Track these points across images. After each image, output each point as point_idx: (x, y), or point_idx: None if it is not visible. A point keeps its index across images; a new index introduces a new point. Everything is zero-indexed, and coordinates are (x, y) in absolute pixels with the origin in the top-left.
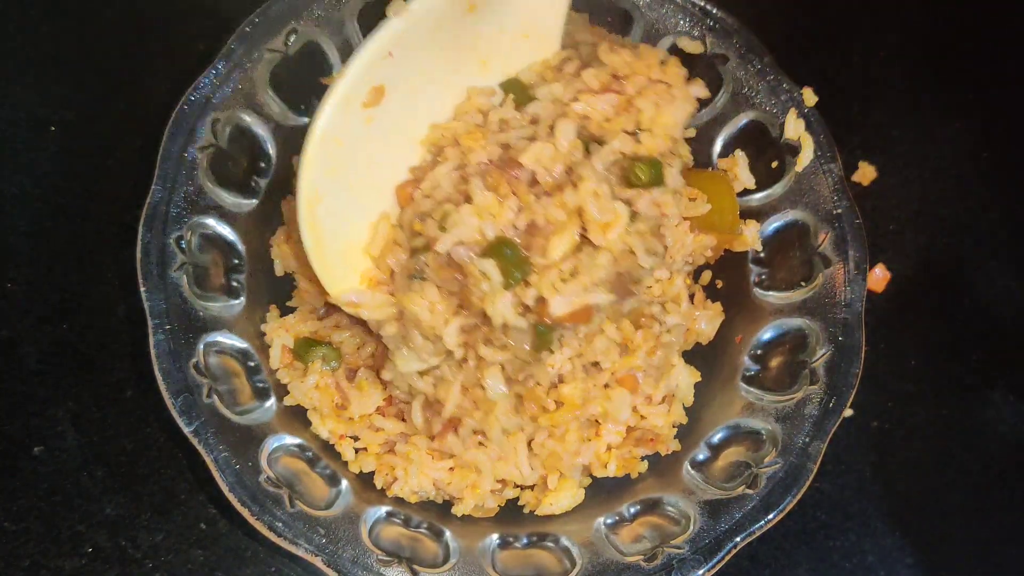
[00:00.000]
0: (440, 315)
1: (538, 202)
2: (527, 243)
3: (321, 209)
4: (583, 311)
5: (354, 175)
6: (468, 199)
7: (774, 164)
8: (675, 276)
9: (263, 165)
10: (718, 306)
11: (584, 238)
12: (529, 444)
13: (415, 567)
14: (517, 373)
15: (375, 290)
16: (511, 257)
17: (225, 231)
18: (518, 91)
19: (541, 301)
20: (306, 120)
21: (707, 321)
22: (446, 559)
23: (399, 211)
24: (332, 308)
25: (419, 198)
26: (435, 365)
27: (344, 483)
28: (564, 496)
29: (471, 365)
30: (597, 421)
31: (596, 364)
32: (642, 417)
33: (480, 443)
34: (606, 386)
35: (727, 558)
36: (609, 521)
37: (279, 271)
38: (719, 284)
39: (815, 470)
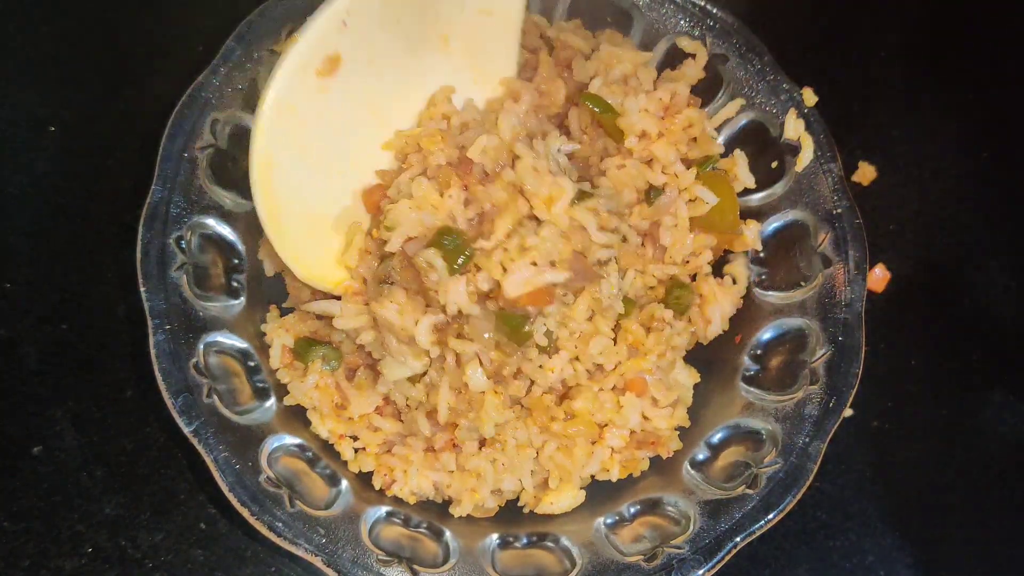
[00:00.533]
0: (410, 316)
1: (483, 189)
2: (478, 231)
3: (276, 177)
4: (541, 292)
5: (311, 146)
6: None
7: (774, 164)
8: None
9: None
10: None
11: (533, 218)
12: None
13: (415, 567)
14: (502, 368)
15: (350, 302)
16: (452, 243)
17: (225, 231)
18: (602, 106)
19: (497, 286)
20: None
21: None
22: (446, 559)
23: (369, 219)
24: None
25: (385, 206)
26: (422, 372)
27: (344, 483)
28: (564, 496)
29: (452, 363)
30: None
31: (600, 367)
32: (646, 419)
33: (492, 459)
34: (614, 388)
35: (727, 558)
36: (609, 521)
37: (269, 272)
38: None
39: (815, 470)
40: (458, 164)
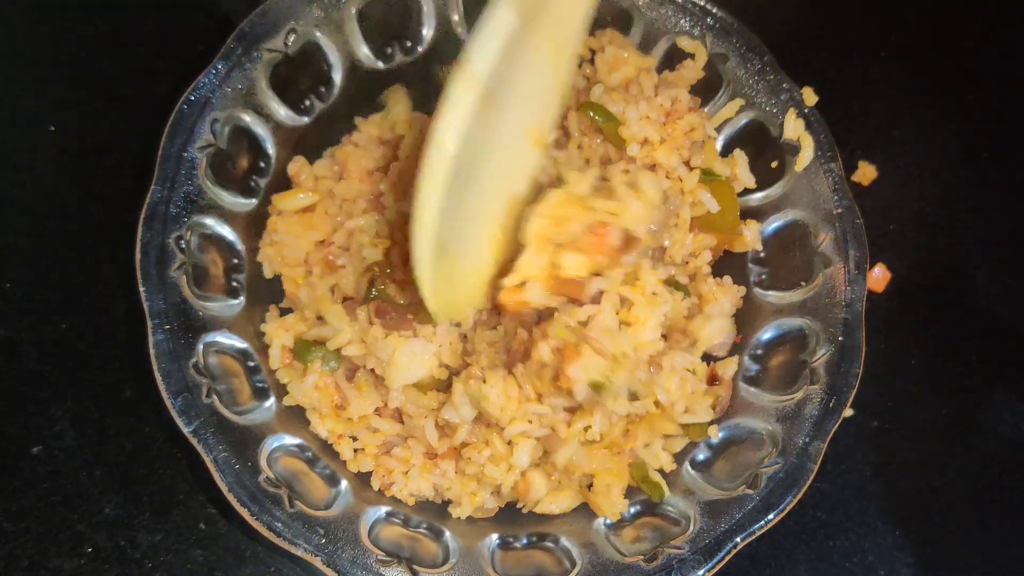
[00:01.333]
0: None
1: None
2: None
3: (438, 221)
4: None
5: (460, 180)
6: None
7: (774, 164)
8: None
9: (263, 165)
10: None
11: None
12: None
13: (415, 567)
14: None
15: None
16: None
17: (225, 231)
18: (604, 115)
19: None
20: (306, 120)
21: None
22: (446, 559)
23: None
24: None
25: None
26: (431, 382)
27: (343, 483)
28: (564, 496)
29: (476, 389)
30: None
31: None
32: None
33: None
34: None
35: (727, 558)
36: (609, 521)
37: (268, 273)
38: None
39: (815, 470)
40: (595, 227)
